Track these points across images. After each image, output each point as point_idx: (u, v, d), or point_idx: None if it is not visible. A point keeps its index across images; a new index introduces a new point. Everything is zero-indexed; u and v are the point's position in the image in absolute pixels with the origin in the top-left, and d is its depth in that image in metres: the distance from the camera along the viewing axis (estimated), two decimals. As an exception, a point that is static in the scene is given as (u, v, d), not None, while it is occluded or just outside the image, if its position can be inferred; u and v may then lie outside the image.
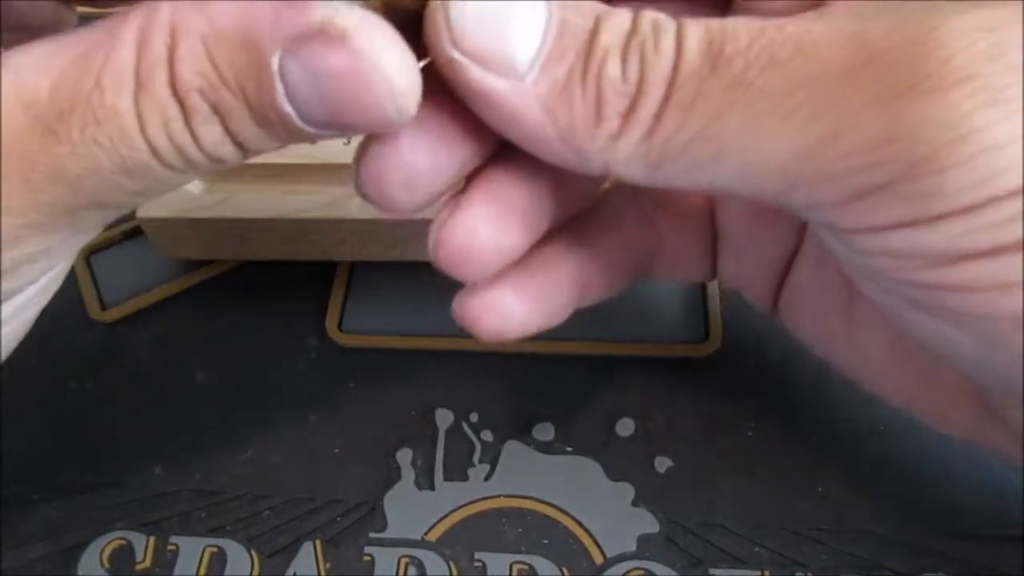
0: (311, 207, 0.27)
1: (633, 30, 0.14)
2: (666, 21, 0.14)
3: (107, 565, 0.24)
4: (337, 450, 0.26)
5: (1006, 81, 0.12)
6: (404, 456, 0.25)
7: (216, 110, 0.13)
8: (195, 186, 0.28)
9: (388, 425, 0.26)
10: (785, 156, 0.13)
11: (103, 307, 0.29)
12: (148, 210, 0.27)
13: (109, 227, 0.30)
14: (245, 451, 0.26)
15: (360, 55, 0.12)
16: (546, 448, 0.25)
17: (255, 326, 0.28)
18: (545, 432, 0.25)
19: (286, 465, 0.25)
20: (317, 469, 0.25)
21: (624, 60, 0.14)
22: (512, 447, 0.25)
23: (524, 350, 0.27)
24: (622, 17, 0.14)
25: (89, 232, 0.16)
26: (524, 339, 0.27)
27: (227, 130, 0.14)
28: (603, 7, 0.14)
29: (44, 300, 0.18)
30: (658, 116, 0.14)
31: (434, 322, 0.28)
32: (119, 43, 0.13)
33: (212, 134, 0.14)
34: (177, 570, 0.24)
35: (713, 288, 0.28)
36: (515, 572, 0.23)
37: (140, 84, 0.13)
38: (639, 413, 0.26)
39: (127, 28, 0.13)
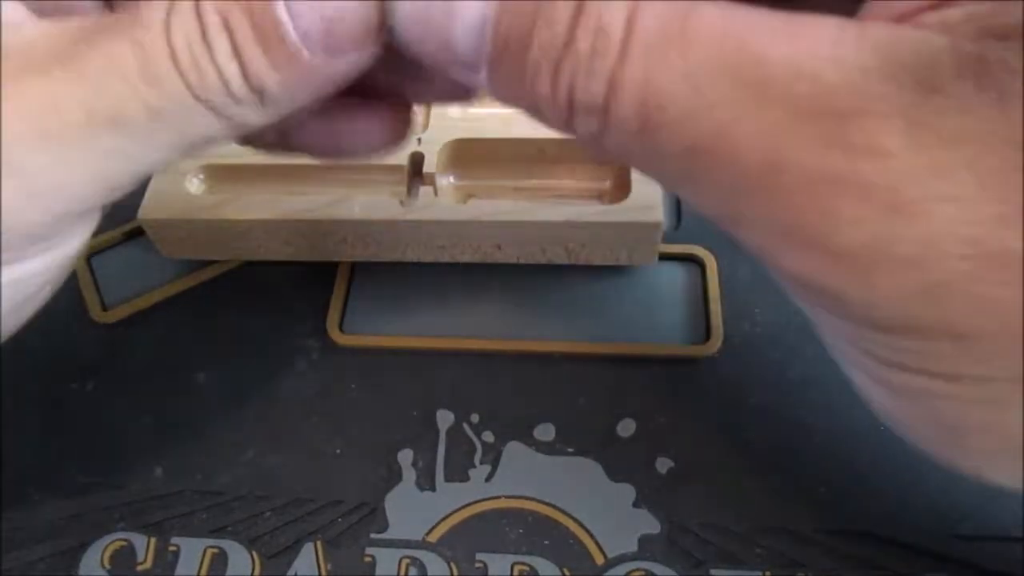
0: (311, 207, 0.27)
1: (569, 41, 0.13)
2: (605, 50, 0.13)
3: (108, 566, 0.24)
4: (338, 451, 0.26)
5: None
6: (405, 457, 0.25)
7: (226, 24, 0.14)
8: (196, 187, 0.28)
9: (389, 426, 0.26)
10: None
11: (104, 308, 0.29)
12: (149, 211, 0.27)
13: (110, 228, 0.30)
14: (246, 452, 0.26)
15: None
16: (547, 449, 0.25)
17: (255, 326, 0.28)
18: (546, 433, 0.25)
19: (287, 466, 0.25)
20: (318, 470, 0.25)
21: (554, 77, 0.13)
22: (513, 448, 0.25)
23: (525, 350, 0.27)
24: (559, 21, 0.13)
25: (107, 167, 0.15)
26: (525, 339, 0.27)
27: (233, 46, 0.14)
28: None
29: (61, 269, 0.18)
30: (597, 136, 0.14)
31: (434, 322, 0.28)
32: None
33: (222, 48, 0.14)
34: (178, 571, 0.24)
35: (714, 288, 0.28)
36: (516, 573, 0.23)
37: (171, 7, 0.14)
38: (640, 414, 0.26)
39: None
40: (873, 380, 0.14)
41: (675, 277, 0.29)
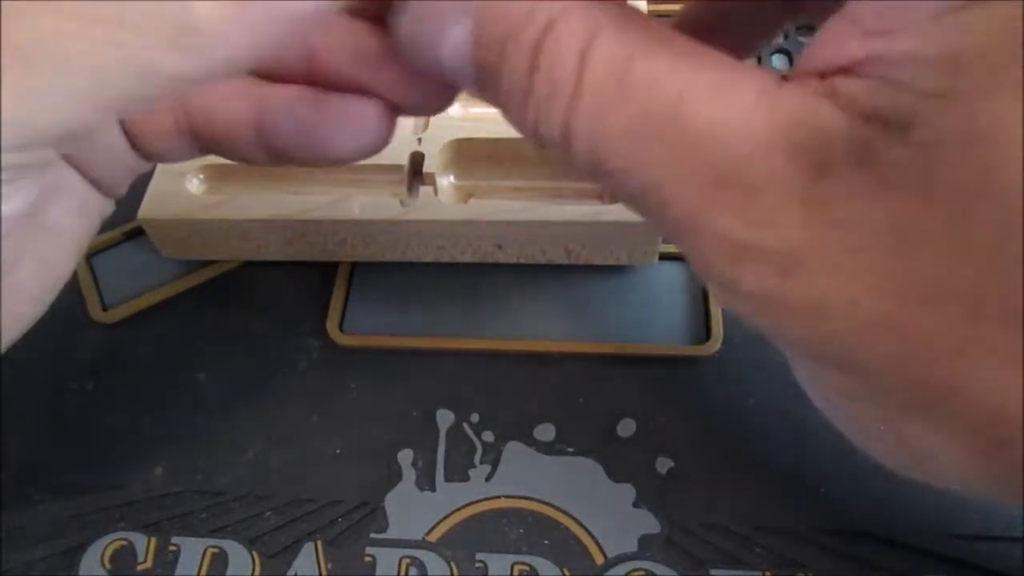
0: (311, 207, 0.27)
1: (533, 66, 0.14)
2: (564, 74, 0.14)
3: (108, 566, 0.24)
4: (338, 451, 0.26)
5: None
6: (405, 457, 0.25)
7: None
8: (196, 187, 0.28)
9: (389, 426, 0.26)
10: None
11: (104, 308, 0.29)
12: (149, 211, 0.27)
13: (110, 228, 0.30)
14: (246, 452, 0.26)
15: None
16: (547, 449, 0.25)
17: (256, 326, 0.28)
18: (546, 433, 0.25)
19: (287, 466, 0.25)
20: (318, 470, 0.25)
21: (522, 112, 0.14)
22: (513, 448, 0.25)
23: (525, 350, 0.27)
24: (519, 66, 0.14)
25: (82, 120, 0.14)
26: (525, 339, 0.27)
27: None
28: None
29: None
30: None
31: (434, 322, 0.28)
32: None
33: None
34: (178, 571, 0.24)
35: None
36: (516, 573, 0.23)
37: None
38: (640, 413, 0.26)
39: None
40: (821, 403, 0.16)
41: (675, 277, 0.29)
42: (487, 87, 0.15)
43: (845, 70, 0.13)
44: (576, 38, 0.14)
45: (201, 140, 0.18)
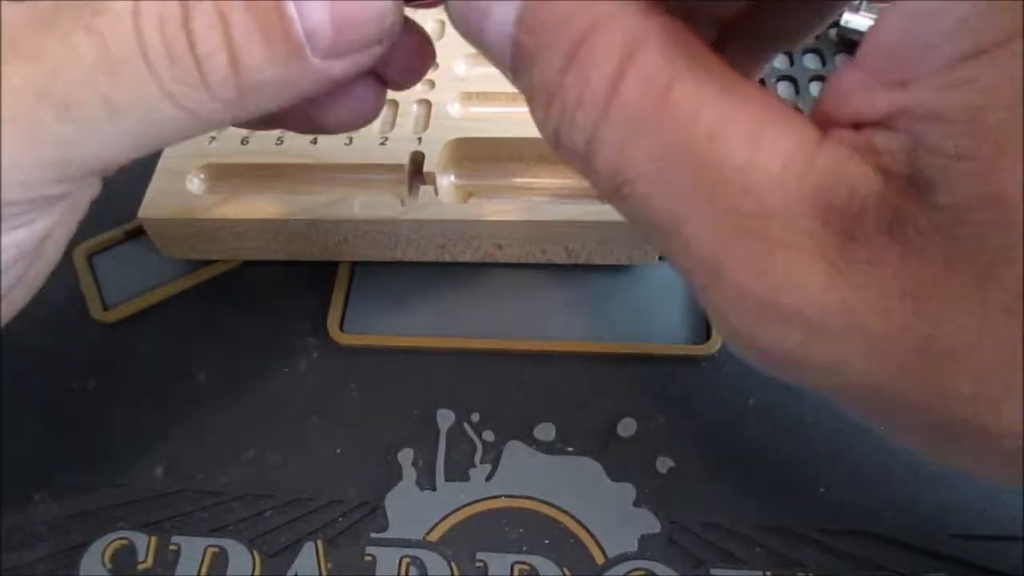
0: (311, 207, 0.27)
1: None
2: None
3: (109, 565, 0.24)
4: (338, 450, 0.26)
5: None
6: (405, 456, 0.25)
7: (221, 13, 0.13)
8: (196, 187, 0.28)
9: (389, 425, 0.26)
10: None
11: (105, 307, 0.29)
12: (149, 210, 0.27)
13: (111, 228, 0.30)
14: (246, 451, 0.26)
15: None
16: (547, 448, 0.25)
17: (256, 326, 0.28)
18: (546, 432, 0.25)
19: (287, 465, 0.25)
20: (318, 469, 0.25)
21: (547, 111, 0.14)
22: (513, 447, 0.25)
23: (525, 350, 0.27)
24: (553, 62, 0.14)
25: (56, 155, 0.15)
26: (525, 339, 0.27)
27: (227, 36, 0.13)
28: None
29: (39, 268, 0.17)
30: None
31: (435, 322, 0.28)
32: None
33: (208, 38, 0.13)
34: (179, 570, 0.24)
35: (714, 288, 0.28)
36: (516, 572, 0.23)
37: None
38: (640, 413, 0.26)
39: None
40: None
41: (675, 277, 0.29)
42: (520, 74, 0.14)
43: (878, 124, 0.12)
44: (617, 48, 0.13)
45: None
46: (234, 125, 0.18)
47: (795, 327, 0.13)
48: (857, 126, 0.13)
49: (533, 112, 0.14)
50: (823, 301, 0.12)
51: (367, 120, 0.18)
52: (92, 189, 0.18)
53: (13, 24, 0.14)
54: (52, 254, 0.18)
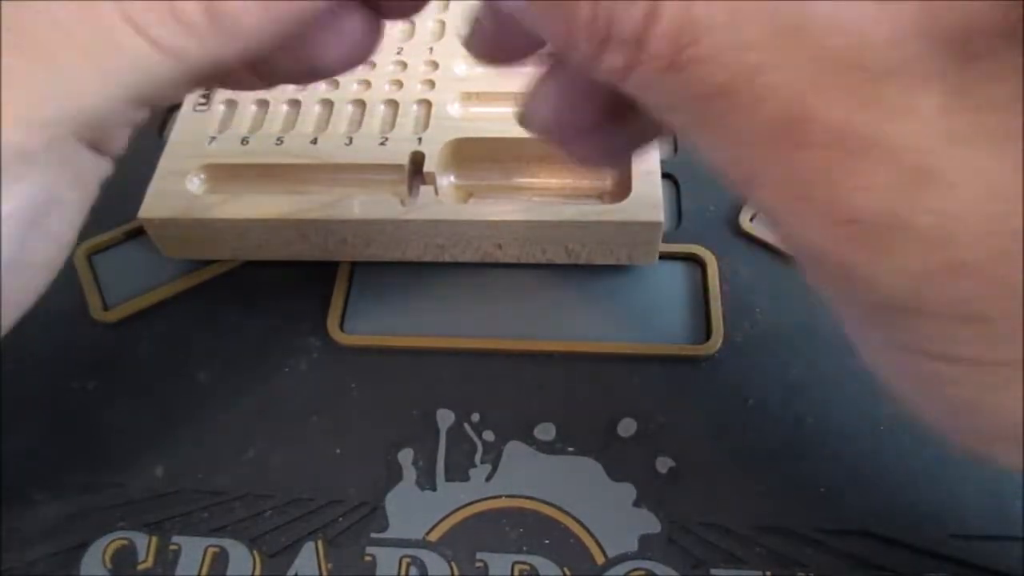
0: (311, 207, 0.27)
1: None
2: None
3: (109, 565, 0.24)
4: (338, 450, 0.26)
5: None
6: (405, 456, 0.25)
7: None
8: (196, 187, 0.28)
9: (389, 425, 0.26)
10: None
11: (105, 307, 0.29)
12: (150, 210, 0.27)
13: (111, 228, 0.30)
14: (246, 451, 0.26)
15: None
16: (547, 448, 0.25)
17: (256, 326, 0.28)
18: (546, 432, 0.25)
19: (287, 465, 0.25)
20: (318, 469, 0.25)
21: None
22: (513, 447, 0.25)
23: (525, 350, 0.27)
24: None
25: (71, 109, 0.14)
26: (525, 339, 0.27)
27: None
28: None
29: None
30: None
31: (435, 322, 0.28)
32: None
33: None
34: (179, 570, 0.24)
35: (714, 288, 0.28)
36: (516, 572, 0.23)
37: None
38: (640, 413, 0.26)
39: None
40: (884, 360, 0.14)
41: (675, 277, 0.29)
42: None
43: None
44: None
45: None
46: (232, 86, 0.18)
47: (903, 172, 0.11)
48: None
49: (574, 17, 0.13)
50: (939, 129, 0.11)
51: (363, 55, 0.17)
52: (95, 164, 0.17)
53: None
54: (57, 228, 0.17)
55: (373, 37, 0.17)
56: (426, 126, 0.29)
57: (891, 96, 0.11)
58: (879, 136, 0.11)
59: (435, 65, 0.30)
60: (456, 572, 0.23)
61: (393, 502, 0.24)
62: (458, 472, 0.25)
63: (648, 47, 0.12)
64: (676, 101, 0.13)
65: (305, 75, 0.18)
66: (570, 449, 0.25)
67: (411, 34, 0.32)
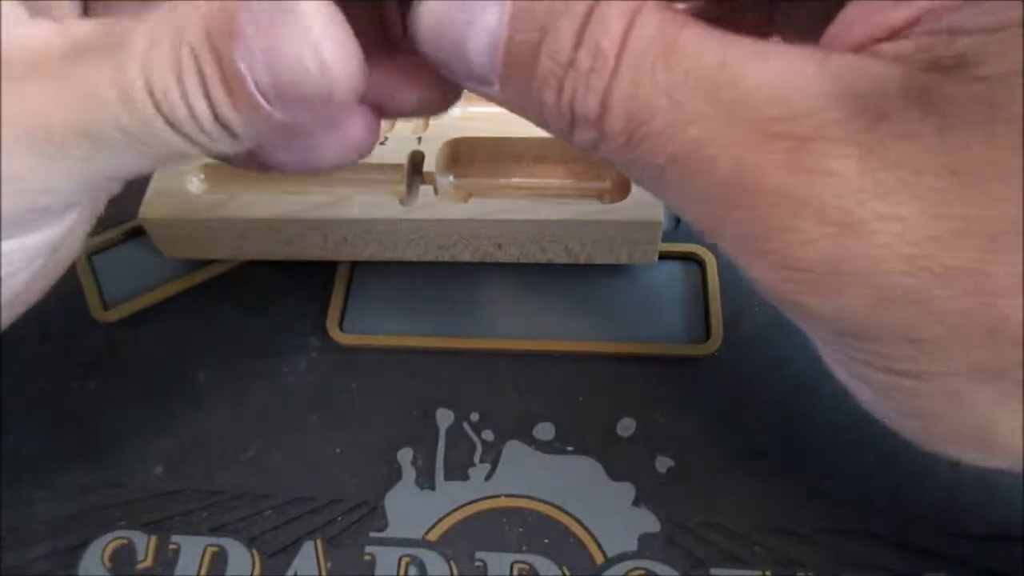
0: (311, 207, 0.27)
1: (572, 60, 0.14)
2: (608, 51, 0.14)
3: (108, 564, 0.24)
4: (338, 450, 0.26)
5: None
6: (405, 456, 0.25)
7: (198, 67, 0.14)
8: (196, 187, 0.28)
9: (389, 425, 0.26)
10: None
11: (105, 307, 0.29)
12: (150, 210, 0.27)
13: (111, 227, 0.30)
14: (246, 451, 0.26)
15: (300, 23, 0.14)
16: (547, 448, 0.25)
17: (256, 326, 0.28)
18: (546, 432, 0.25)
19: (287, 465, 0.25)
20: (318, 469, 0.25)
21: (559, 92, 0.14)
22: (513, 447, 0.25)
23: (525, 350, 0.27)
24: (563, 41, 0.14)
25: (85, 171, 0.16)
26: (525, 339, 0.27)
27: (204, 87, 0.14)
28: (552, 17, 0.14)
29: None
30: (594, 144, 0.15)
31: (434, 322, 0.28)
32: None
33: (194, 88, 0.14)
34: (178, 569, 0.24)
35: (714, 287, 0.28)
36: (516, 572, 0.23)
37: (152, 42, 0.14)
38: (640, 413, 0.26)
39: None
40: (850, 376, 0.16)
41: (675, 277, 0.29)
42: (512, 78, 0.15)
43: (881, 40, 0.13)
44: (623, 11, 0.14)
45: None
46: (235, 164, 0.19)
47: (831, 225, 0.13)
48: (856, 51, 0.13)
49: (540, 102, 0.15)
50: (858, 186, 0.12)
51: (361, 154, 0.18)
52: (108, 193, 0.18)
53: (47, 46, 0.15)
54: (66, 253, 0.19)
55: (373, 137, 0.18)
56: (425, 126, 0.29)
57: (814, 160, 0.13)
58: (809, 196, 0.13)
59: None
60: (455, 571, 0.23)
61: (392, 501, 0.24)
62: (457, 472, 0.25)
63: (605, 129, 0.14)
64: (639, 169, 0.15)
65: (303, 169, 0.18)
66: (569, 449, 0.25)
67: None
